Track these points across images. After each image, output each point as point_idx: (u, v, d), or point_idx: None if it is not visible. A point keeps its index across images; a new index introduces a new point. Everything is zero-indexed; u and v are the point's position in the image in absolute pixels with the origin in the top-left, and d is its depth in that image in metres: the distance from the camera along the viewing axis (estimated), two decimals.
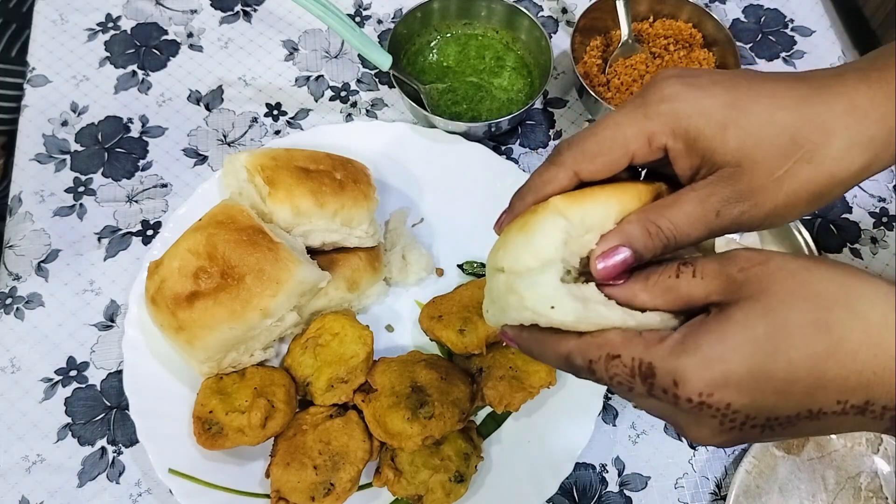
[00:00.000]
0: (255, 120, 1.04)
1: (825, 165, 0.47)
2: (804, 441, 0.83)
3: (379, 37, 1.13)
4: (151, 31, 1.10)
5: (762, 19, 1.17)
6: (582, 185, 0.51)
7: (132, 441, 0.83)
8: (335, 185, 0.83)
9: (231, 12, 1.13)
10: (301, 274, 0.77)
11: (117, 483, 0.81)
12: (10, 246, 0.94)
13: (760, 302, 0.41)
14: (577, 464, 0.81)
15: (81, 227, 0.95)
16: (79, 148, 1.01)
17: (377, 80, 1.09)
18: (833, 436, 0.83)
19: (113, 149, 1.01)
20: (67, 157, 1.00)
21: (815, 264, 0.43)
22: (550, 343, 0.48)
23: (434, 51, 1.07)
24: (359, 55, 1.10)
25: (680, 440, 0.86)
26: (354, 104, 1.06)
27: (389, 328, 0.90)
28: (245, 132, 1.03)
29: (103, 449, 0.83)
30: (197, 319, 0.74)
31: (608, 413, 0.87)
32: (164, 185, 0.99)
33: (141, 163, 1.00)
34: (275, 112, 1.05)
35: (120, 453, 0.83)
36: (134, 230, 0.95)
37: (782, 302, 0.41)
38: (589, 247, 0.47)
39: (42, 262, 0.93)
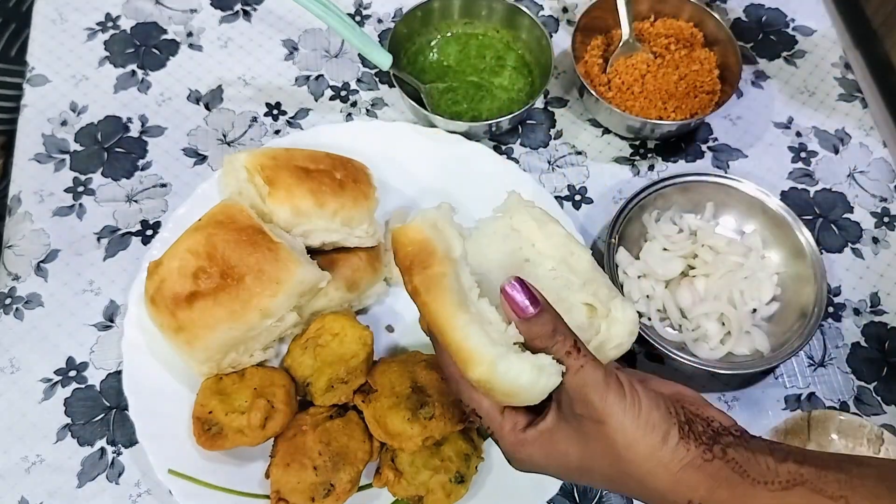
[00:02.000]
0: (254, 119, 1.04)
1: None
2: (805, 442, 0.82)
3: (379, 36, 1.13)
4: (151, 30, 1.10)
5: (763, 18, 1.16)
6: None
7: (132, 441, 0.82)
8: (335, 184, 0.83)
9: (231, 11, 1.13)
10: (301, 274, 0.77)
11: (117, 484, 0.81)
12: (10, 246, 0.94)
13: (581, 433, 0.54)
14: None
15: (81, 227, 0.95)
16: (78, 148, 1.00)
17: (377, 79, 1.08)
18: (834, 436, 0.83)
19: (112, 148, 1.01)
20: (67, 156, 1.00)
21: (638, 444, 0.52)
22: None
23: (434, 50, 1.07)
24: (359, 55, 1.10)
25: None
26: (354, 104, 1.06)
27: (389, 328, 0.90)
28: (245, 132, 1.03)
29: (103, 449, 0.83)
30: (196, 320, 0.74)
31: None
32: (164, 185, 0.98)
33: (140, 162, 1.00)
34: (275, 112, 1.05)
35: (119, 454, 0.83)
36: (133, 230, 0.95)
37: (594, 449, 0.54)
38: None
39: (41, 262, 0.92)
